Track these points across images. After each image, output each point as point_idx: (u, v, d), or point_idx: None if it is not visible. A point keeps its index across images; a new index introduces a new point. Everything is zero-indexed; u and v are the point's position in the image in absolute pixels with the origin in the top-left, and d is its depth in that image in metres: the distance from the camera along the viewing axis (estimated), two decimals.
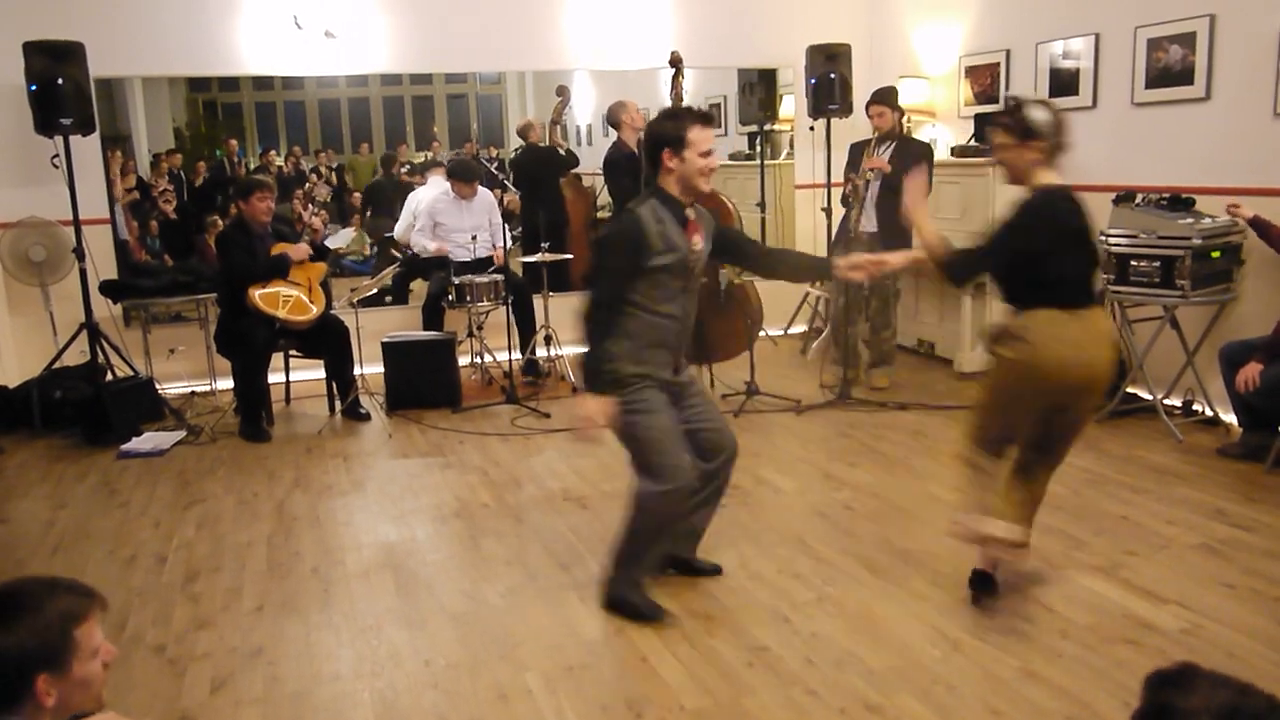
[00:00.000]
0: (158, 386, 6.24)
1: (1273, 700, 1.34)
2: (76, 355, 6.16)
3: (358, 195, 8.64)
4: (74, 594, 1.85)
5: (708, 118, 3.31)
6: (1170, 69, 5.56)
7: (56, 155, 5.75)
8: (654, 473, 3.28)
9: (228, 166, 8.07)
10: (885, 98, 6.14)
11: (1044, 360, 3.12)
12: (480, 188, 7.03)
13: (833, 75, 6.41)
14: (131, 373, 6.27)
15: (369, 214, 8.54)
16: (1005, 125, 3.24)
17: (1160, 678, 1.43)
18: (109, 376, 6.18)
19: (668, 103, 5.95)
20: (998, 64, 6.86)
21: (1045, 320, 3.14)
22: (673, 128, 3.26)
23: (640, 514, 3.35)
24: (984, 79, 7.01)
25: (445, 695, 2.98)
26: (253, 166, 8.14)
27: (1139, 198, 5.39)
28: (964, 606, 3.40)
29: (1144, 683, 1.45)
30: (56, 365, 6.17)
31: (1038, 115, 3.16)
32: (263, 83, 7.81)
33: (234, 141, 8.07)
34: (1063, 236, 3.19)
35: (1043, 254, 3.15)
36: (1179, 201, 5.24)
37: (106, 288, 6.36)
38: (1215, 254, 5.05)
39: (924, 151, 6.14)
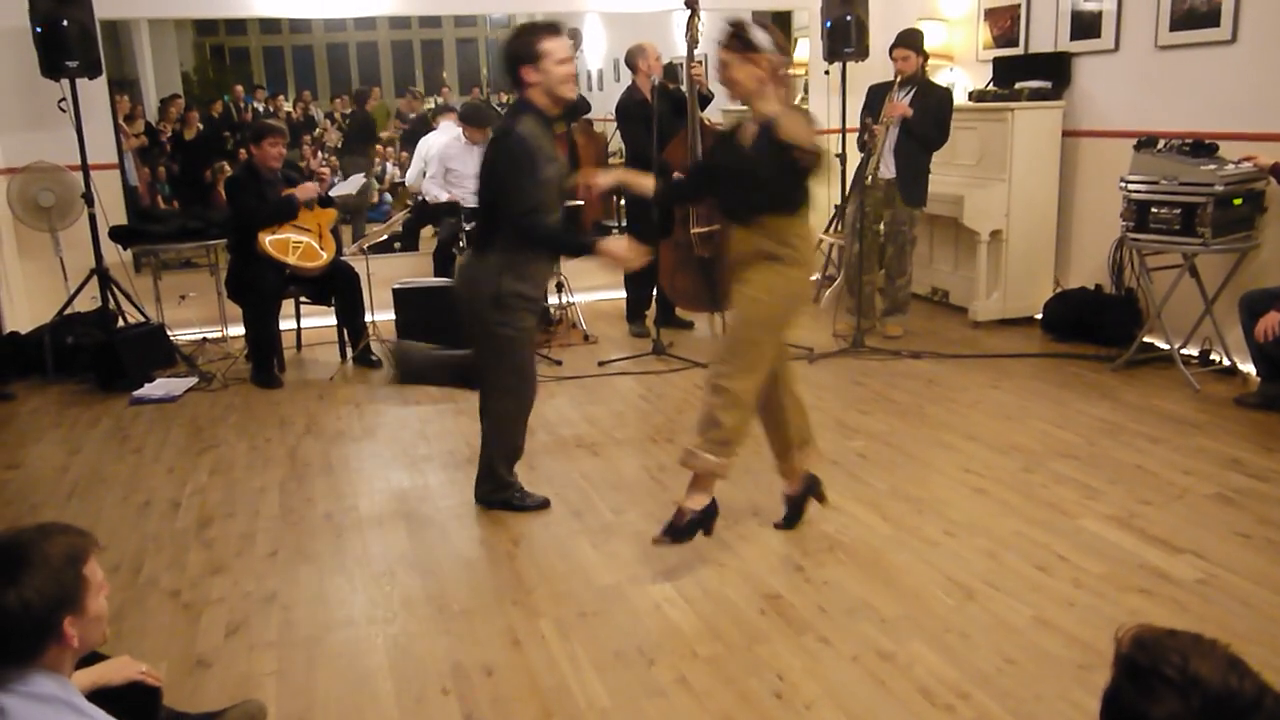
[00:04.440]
0: (169, 333, 6.23)
1: (1262, 687, 1.19)
2: (87, 301, 6.15)
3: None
4: (69, 534, 1.86)
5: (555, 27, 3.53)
6: (1195, 10, 5.43)
7: (63, 99, 5.69)
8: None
9: (234, 112, 8.00)
10: (911, 41, 5.99)
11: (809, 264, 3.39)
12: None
13: (849, 18, 6.29)
14: (143, 319, 6.27)
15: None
16: (725, 43, 3.28)
17: (1131, 667, 1.25)
18: (120, 323, 6.17)
19: (682, 46, 5.85)
20: (1018, 6, 6.72)
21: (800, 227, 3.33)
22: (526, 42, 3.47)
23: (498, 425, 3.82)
24: (1004, 21, 6.87)
25: (458, 641, 2.99)
26: (261, 110, 8.06)
27: (1161, 143, 5.29)
28: (978, 554, 3.40)
29: (1115, 661, 1.29)
30: (68, 311, 6.17)
31: (759, 35, 3.23)
32: (270, 26, 7.71)
33: (240, 87, 7.99)
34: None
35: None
36: (1201, 147, 5.15)
37: (116, 233, 6.33)
38: (1237, 201, 4.97)
39: (944, 97, 6.02)
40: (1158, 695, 1.21)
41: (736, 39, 3.23)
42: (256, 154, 5.78)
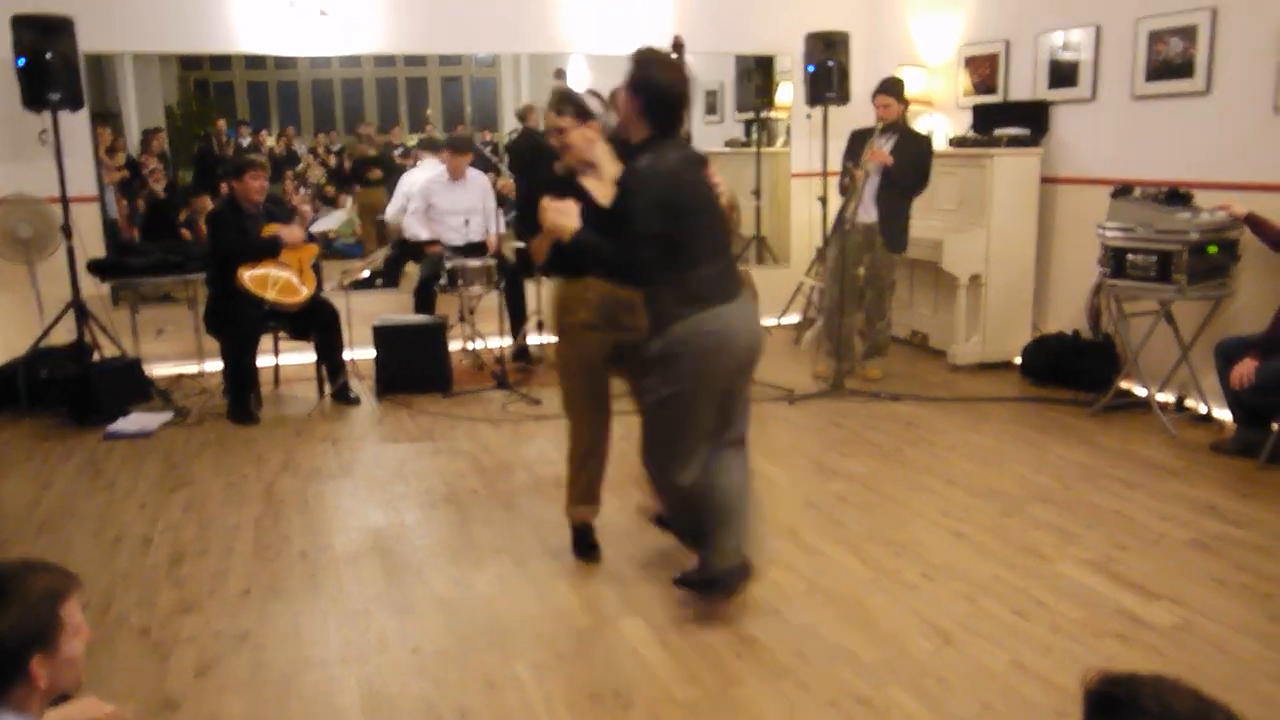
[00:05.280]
0: (145, 367, 6.18)
1: (1230, 715, 1.24)
2: (63, 334, 6.10)
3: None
4: (52, 573, 1.83)
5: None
6: (1170, 62, 5.53)
7: (44, 131, 5.68)
8: None
9: (216, 146, 8.00)
10: (893, 89, 6.05)
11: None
12: (474, 170, 6.97)
13: (831, 63, 6.37)
14: (119, 353, 6.21)
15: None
16: (559, 109, 3.47)
17: (1100, 701, 1.29)
18: (96, 356, 6.12)
19: None
20: (997, 54, 6.83)
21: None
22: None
23: None
24: (983, 69, 6.97)
25: (433, 682, 2.95)
26: (245, 144, 8.07)
27: (1137, 191, 5.37)
28: (956, 598, 3.39)
29: (1085, 700, 1.32)
30: (43, 344, 6.11)
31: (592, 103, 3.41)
32: (255, 62, 7.74)
33: (222, 121, 8.00)
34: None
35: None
36: (1177, 196, 5.22)
37: (94, 266, 6.29)
38: (1212, 249, 5.03)
39: (925, 145, 6.09)
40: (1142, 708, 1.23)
41: (571, 105, 3.44)
42: (238, 189, 5.77)
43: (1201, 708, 1.24)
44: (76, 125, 6.26)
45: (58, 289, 6.11)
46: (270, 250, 5.75)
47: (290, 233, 5.82)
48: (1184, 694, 1.26)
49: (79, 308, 5.96)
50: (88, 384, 5.71)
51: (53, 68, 5.55)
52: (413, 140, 8.50)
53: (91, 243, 6.37)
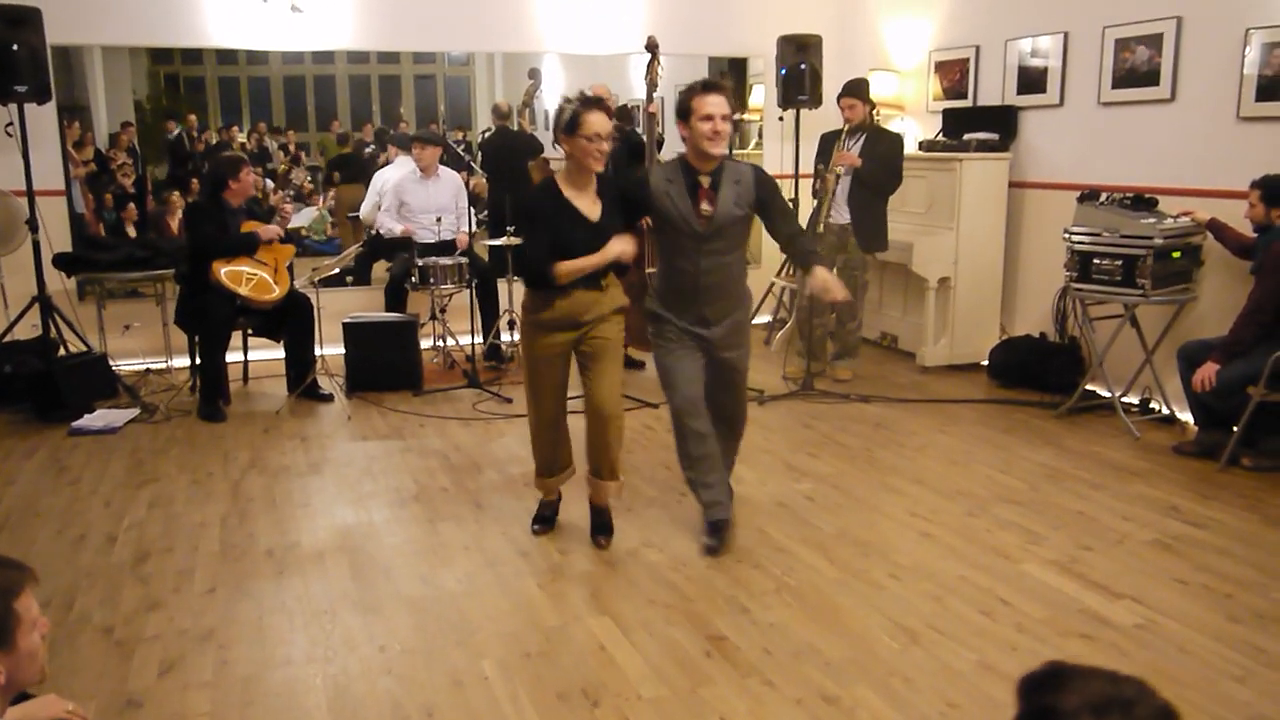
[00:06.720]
0: (112, 363, 6.12)
1: (1143, 686, 1.32)
2: (28, 329, 6.02)
3: (336, 175, 8.48)
4: (4, 567, 1.81)
5: (709, 85, 3.57)
6: (1137, 69, 5.60)
7: (10, 124, 5.61)
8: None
9: (187, 142, 7.92)
10: (856, 90, 6.10)
11: None
12: (445, 169, 6.95)
13: (803, 66, 6.40)
14: (85, 348, 6.15)
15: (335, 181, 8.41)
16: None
17: (1032, 681, 1.39)
18: (61, 351, 6.05)
19: (640, 88, 5.91)
20: (967, 60, 6.89)
21: None
22: (681, 100, 3.60)
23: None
24: (953, 74, 7.03)
25: (399, 681, 2.94)
26: (214, 142, 7.99)
27: (1103, 196, 5.43)
28: (923, 598, 3.42)
29: (1017, 690, 1.41)
30: (7, 339, 6.03)
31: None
32: (226, 57, 7.66)
33: (193, 116, 7.92)
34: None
35: None
36: (1142, 201, 5.29)
37: (60, 260, 6.22)
38: (1176, 254, 5.11)
39: (894, 143, 6.13)
40: (1068, 685, 1.32)
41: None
42: (236, 187, 5.69)
43: (1113, 675, 1.33)
44: (44, 118, 6.19)
45: (23, 283, 6.04)
46: (247, 246, 5.71)
47: (267, 231, 5.78)
48: (1098, 675, 1.35)
49: (44, 302, 5.89)
50: (53, 379, 5.64)
51: (19, 59, 5.48)
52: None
53: (58, 237, 6.30)
